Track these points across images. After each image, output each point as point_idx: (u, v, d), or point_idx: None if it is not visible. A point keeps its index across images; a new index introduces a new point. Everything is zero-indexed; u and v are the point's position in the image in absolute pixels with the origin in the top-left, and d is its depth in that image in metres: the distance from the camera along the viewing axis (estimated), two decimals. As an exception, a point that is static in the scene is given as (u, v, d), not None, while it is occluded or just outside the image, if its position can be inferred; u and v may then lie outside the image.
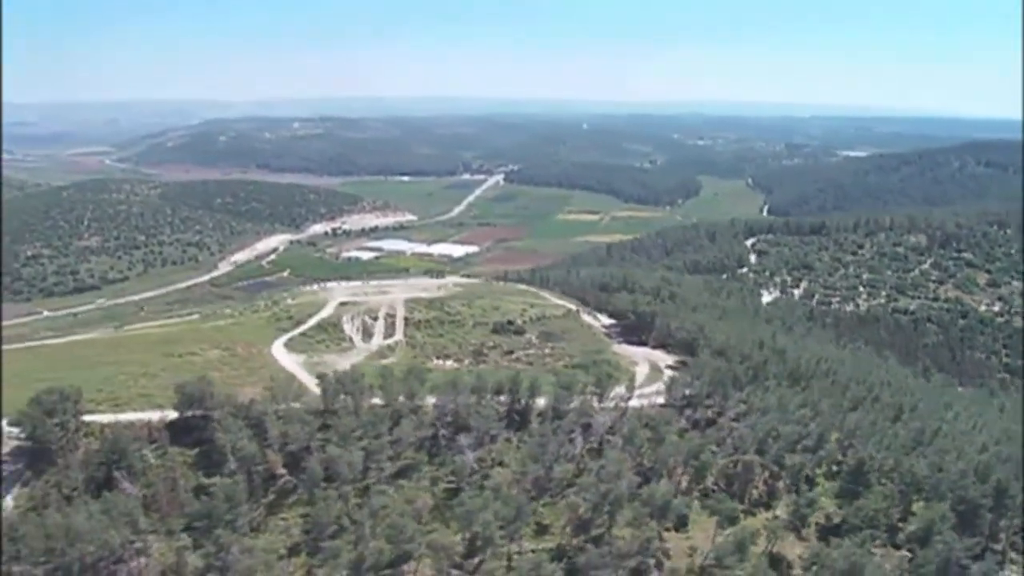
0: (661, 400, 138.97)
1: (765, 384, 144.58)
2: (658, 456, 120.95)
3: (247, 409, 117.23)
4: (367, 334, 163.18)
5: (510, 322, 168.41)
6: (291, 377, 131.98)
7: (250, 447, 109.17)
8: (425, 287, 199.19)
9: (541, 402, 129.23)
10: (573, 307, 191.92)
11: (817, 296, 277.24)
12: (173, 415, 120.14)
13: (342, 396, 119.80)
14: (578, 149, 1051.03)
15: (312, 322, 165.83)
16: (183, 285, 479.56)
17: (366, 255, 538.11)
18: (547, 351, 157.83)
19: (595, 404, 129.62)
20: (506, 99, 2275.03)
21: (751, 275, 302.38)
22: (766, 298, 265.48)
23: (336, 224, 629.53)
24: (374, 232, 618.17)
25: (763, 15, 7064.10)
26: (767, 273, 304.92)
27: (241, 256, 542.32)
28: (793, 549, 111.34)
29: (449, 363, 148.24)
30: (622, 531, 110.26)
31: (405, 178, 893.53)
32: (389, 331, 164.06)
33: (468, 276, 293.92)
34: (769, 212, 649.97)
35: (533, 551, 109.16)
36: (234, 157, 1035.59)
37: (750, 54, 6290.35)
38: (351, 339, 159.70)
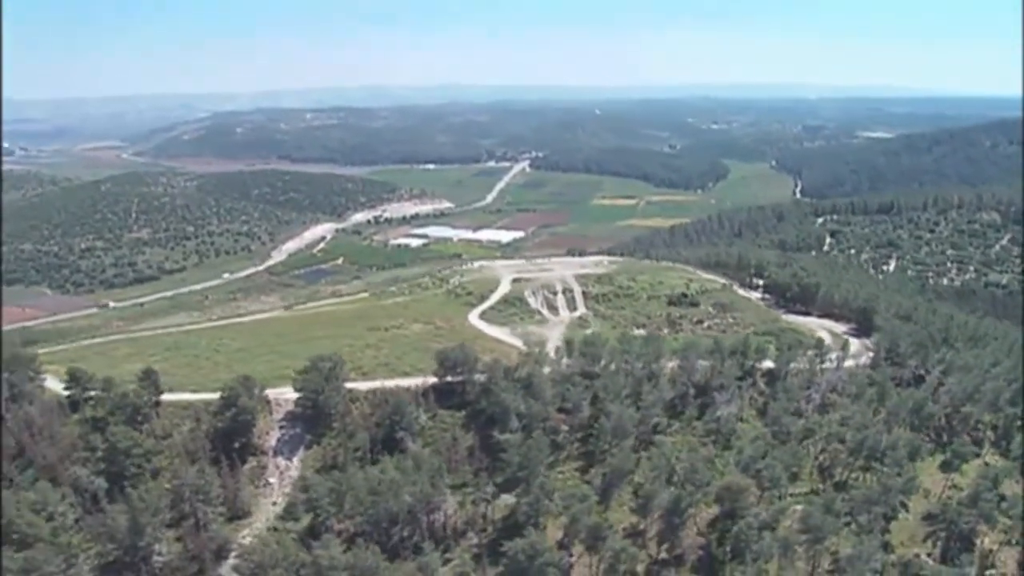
0: (857, 362, 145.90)
1: (954, 346, 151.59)
2: (888, 409, 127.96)
3: (512, 372, 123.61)
4: (551, 307, 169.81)
5: (684, 295, 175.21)
6: (508, 344, 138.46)
7: (536, 407, 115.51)
8: (582, 264, 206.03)
9: (767, 364, 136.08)
10: (724, 281, 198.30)
11: (910, 272, 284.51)
12: (432, 380, 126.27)
13: (603, 360, 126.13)
14: (596, 134, 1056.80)
15: (496, 297, 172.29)
16: (242, 274, 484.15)
17: (414, 242, 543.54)
18: (729, 320, 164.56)
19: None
20: (510, 86, 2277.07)
21: (836, 253, 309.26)
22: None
23: (377, 212, 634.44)
24: (415, 219, 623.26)
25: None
26: (852, 251, 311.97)
27: (291, 245, 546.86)
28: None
29: (645, 332, 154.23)
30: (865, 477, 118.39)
31: (430, 166, 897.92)
32: (571, 304, 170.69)
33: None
34: (803, 194, 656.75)
35: (791, 495, 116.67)
36: (253, 148, 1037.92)
37: (753, 36, 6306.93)
38: (540, 312, 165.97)
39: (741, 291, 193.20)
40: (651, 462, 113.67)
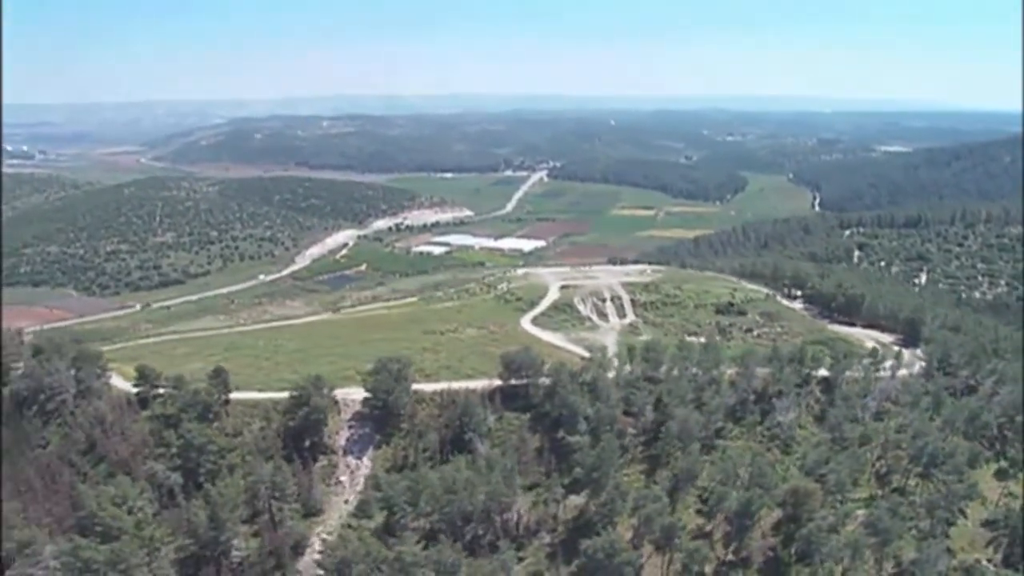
0: (910, 372, 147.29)
1: (1004, 357, 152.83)
2: (944, 418, 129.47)
3: (578, 376, 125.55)
4: (601, 314, 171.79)
5: (731, 303, 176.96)
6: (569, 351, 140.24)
7: (604, 410, 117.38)
8: (626, 272, 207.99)
9: (822, 372, 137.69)
10: (767, 291, 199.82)
11: (942, 284, 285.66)
12: (496, 383, 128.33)
13: (664, 366, 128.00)
14: (611, 145, 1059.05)
15: (546, 303, 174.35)
16: (267, 279, 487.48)
17: (437, 250, 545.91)
18: (777, 329, 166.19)
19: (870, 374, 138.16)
20: (523, 95, 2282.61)
21: (866, 266, 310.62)
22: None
23: (398, 220, 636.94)
24: (435, 227, 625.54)
25: (778, 10, 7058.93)
26: (882, 264, 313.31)
27: (315, 251, 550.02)
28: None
29: (698, 340, 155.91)
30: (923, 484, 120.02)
31: (448, 175, 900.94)
32: (620, 311, 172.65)
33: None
34: (821, 207, 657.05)
35: (851, 500, 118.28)
36: (271, 155, 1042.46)
37: (764, 49, 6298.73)
38: (591, 319, 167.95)
39: (783, 301, 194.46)
40: (717, 465, 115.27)
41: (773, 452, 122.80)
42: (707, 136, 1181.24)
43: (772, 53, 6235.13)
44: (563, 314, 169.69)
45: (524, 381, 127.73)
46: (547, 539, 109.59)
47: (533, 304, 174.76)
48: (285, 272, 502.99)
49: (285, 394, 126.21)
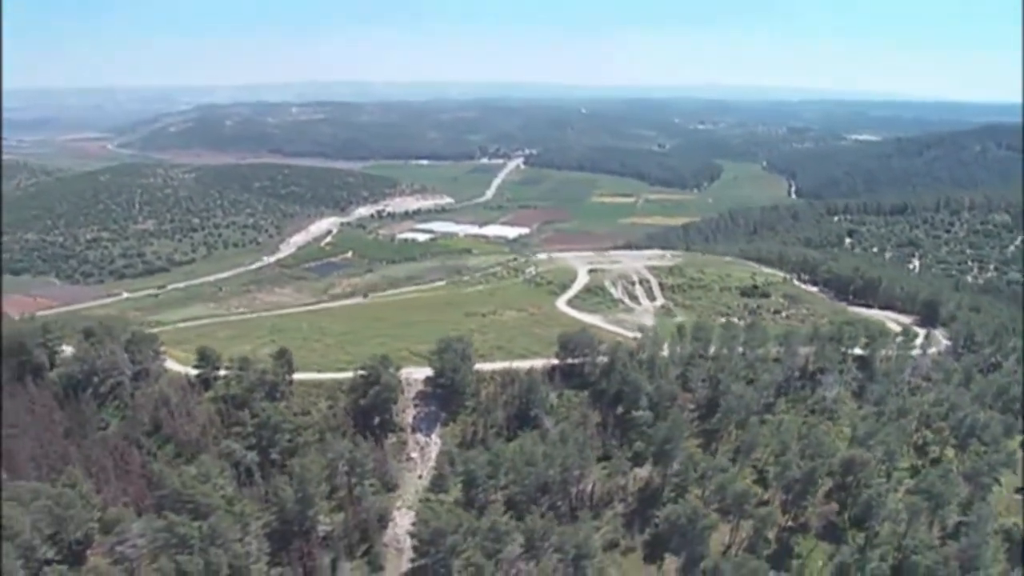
0: (938, 350, 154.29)
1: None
2: (974, 392, 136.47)
3: (635, 355, 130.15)
4: (632, 296, 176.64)
5: (755, 286, 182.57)
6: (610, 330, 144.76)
7: (665, 386, 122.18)
8: (648, 256, 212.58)
9: (856, 350, 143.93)
10: (784, 275, 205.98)
11: (934, 270, 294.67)
12: (554, 362, 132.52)
13: (712, 345, 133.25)
14: (585, 133, 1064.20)
15: (577, 287, 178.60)
16: (253, 267, 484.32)
17: (421, 237, 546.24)
18: (803, 311, 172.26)
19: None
20: (492, 83, 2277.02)
21: (859, 251, 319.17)
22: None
23: (379, 207, 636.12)
24: (417, 214, 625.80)
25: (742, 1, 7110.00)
26: (874, 250, 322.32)
27: (298, 238, 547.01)
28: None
29: (740, 320, 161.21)
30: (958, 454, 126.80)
31: (424, 162, 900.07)
32: (649, 294, 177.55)
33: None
34: (797, 195, 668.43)
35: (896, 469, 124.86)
36: (242, 142, 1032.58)
37: (730, 39, 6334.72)
38: (624, 301, 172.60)
39: (800, 284, 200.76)
40: (776, 437, 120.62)
41: (827, 424, 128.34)
42: (678, 125, 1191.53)
43: (736, 43, 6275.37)
44: (596, 296, 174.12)
45: (580, 360, 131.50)
46: (619, 508, 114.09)
47: (565, 287, 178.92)
48: (271, 259, 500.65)
49: (346, 374, 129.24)
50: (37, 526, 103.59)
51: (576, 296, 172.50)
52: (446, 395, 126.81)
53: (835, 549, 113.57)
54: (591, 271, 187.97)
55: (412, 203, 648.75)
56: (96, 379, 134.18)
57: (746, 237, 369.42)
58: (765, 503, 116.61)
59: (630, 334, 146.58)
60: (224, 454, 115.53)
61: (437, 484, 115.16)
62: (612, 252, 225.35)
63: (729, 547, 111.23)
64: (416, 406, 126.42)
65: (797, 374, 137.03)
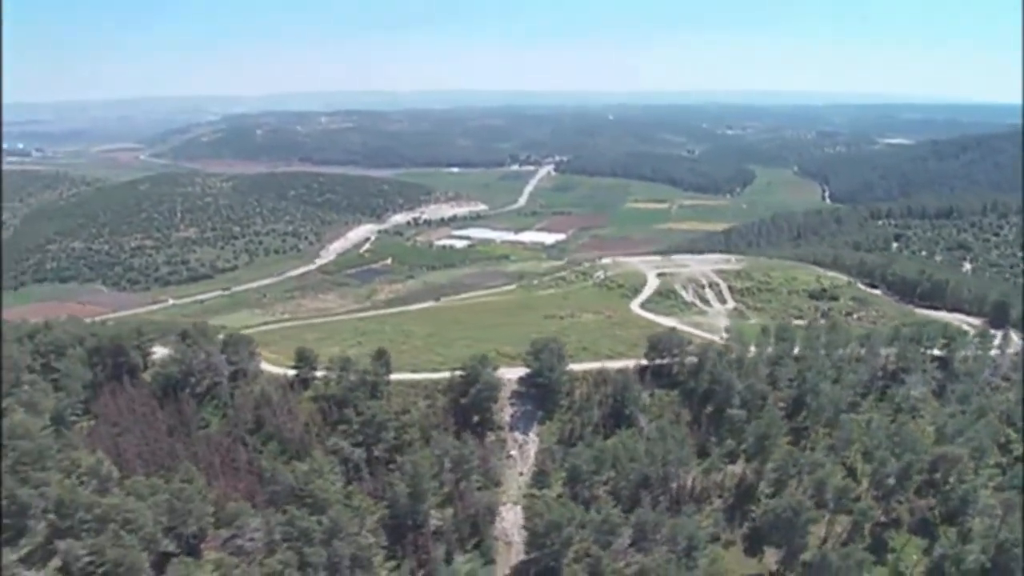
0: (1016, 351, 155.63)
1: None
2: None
3: (725, 355, 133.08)
4: (703, 300, 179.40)
5: (823, 289, 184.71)
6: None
7: (758, 385, 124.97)
8: (713, 261, 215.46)
9: (934, 351, 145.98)
10: (848, 278, 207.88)
11: (987, 273, 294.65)
12: (643, 362, 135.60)
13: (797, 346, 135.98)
14: (614, 139, 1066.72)
15: (649, 290, 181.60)
16: (294, 273, 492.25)
17: (459, 243, 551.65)
18: (873, 313, 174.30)
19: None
20: (517, 91, 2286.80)
21: (907, 254, 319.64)
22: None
23: (415, 214, 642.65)
24: (453, 221, 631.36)
25: (767, 6, 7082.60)
26: (923, 253, 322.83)
27: (337, 245, 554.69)
28: None
29: (802, 322, 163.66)
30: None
31: (455, 169, 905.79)
32: (720, 297, 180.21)
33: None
34: (831, 199, 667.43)
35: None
36: (273, 151, 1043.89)
37: (754, 45, 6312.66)
38: (696, 304, 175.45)
39: (863, 287, 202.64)
40: (866, 434, 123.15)
41: (916, 423, 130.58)
42: (707, 130, 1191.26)
43: (760, 48, 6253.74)
44: (668, 300, 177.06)
45: (668, 360, 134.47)
46: (717, 503, 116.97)
47: (636, 291, 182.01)
48: (313, 266, 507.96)
49: (440, 375, 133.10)
50: (158, 520, 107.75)
51: (649, 299, 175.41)
52: (541, 394, 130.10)
53: (928, 544, 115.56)
54: (660, 275, 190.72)
55: (447, 210, 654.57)
56: (193, 379, 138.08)
57: (791, 242, 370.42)
58: (857, 499, 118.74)
59: (708, 336, 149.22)
60: (332, 451, 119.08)
61: (539, 480, 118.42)
62: (676, 256, 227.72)
63: (825, 541, 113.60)
64: (512, 405, 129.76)
65: (880, 374, 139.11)
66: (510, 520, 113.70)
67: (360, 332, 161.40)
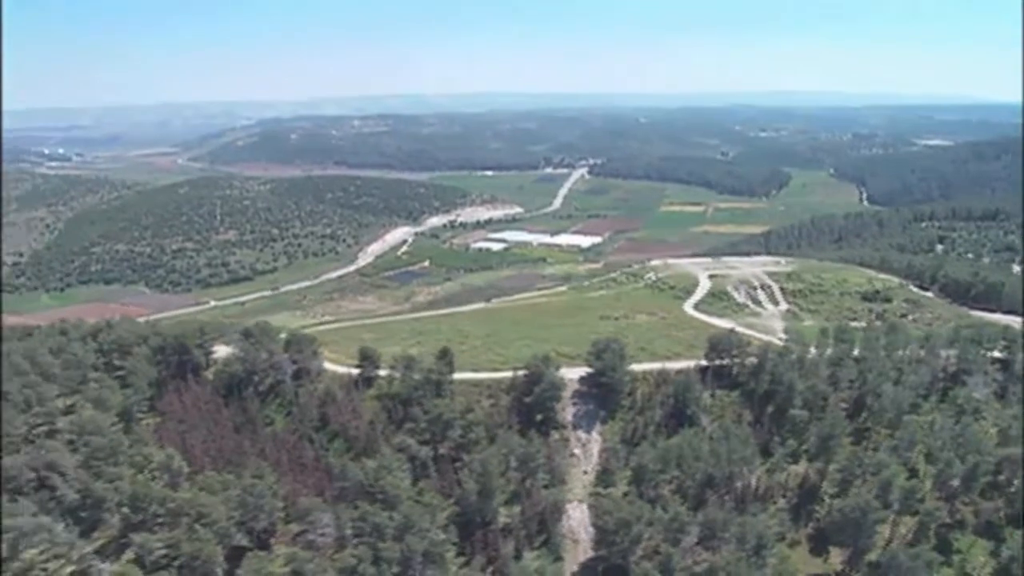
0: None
1: None
2: None
3: (786, 356, 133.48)
4: (755, 301, 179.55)
5: (877, 291, 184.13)
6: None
7: (821, 385, 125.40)
8: (763, 263, 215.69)
9: (995, 353, 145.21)
10: (899, 280, 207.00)
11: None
12: (702, 363, 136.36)
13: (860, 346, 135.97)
14: (647, 141, 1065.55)
15: (701, 292, 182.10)
16: (334, 275, 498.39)
17: (495, 246, 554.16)
18: (928, 315, 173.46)
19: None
20: (547, 94, 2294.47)
21: (952, 256, 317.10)
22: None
23: (451, 217, 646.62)
24: (489, 224, 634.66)
25: (800, 7, 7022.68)
26: (969, 255, 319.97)
27: (375, 248, 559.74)
28: None
29: (858, 324, 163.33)
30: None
31: (488, 173, 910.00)
32: (772, 299, 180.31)
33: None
34: (869, 201, 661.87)
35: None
36: (308, 155, 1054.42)
37: (785, 45, 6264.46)
38: (748, 305, 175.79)
39: (915, 289, 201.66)
40: (930, 435, 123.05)
41: (979, 424, 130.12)
42: (740, 132, 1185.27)
43: (791, 49, 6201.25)
44: (721, 301, 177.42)
45: (727, 361, 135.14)
46: (780, 503, 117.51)
47: (688, 292, 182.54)
48: (351, 268, 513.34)
49: (502, 374, 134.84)
50: (230, 514, 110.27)
51: (701, 301, 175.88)
52: (602, 394, 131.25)
53: (995, 546, 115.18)
54: (711, 276, 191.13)
55: (483, 213, 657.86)
56: (256, 378, 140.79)
57: (833, 245, 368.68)
58: (921, 500, 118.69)
59: (764, 337, 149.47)
60: (399, 449, 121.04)
61: (603, 478, 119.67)
62: (726, 258, 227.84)
63: (890, 541, 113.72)
64: (574, 404, 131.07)
65: (940, 375, 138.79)
66: (576, 518, 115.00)
67: (417, 332, 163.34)
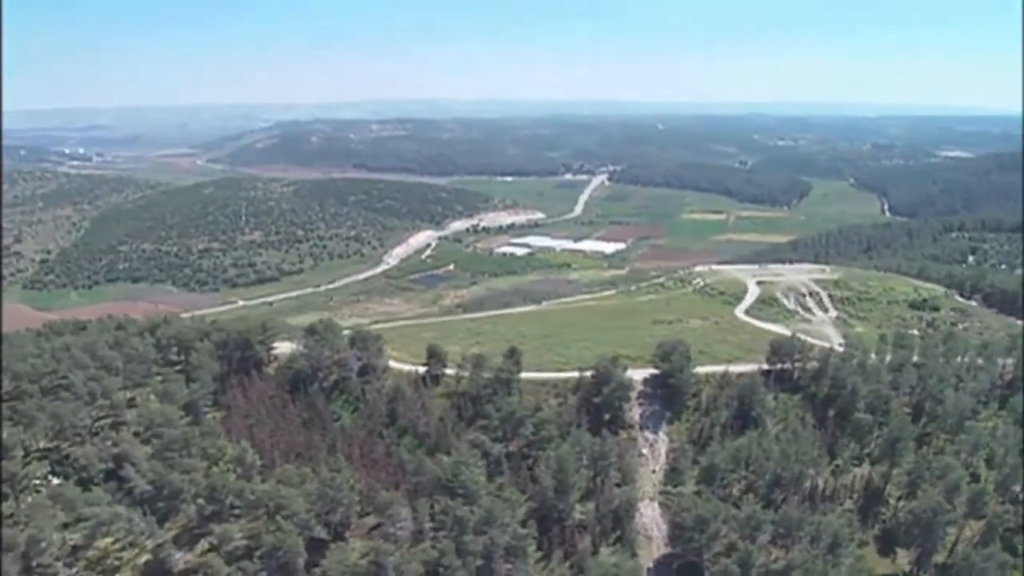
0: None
1: None
2: None
3: (848, 361, 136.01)
4: (804, 308, 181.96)
5: (924, 300, 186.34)
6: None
7: (884, 390, 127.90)
8: (809, 271, 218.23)
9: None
10: (945, 289, 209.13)
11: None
12: (764, 366, 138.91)
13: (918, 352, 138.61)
14: (665, 149, 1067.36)
15: (751, 298, 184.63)
16: (360, 277, 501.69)
17: (519, 251, 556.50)
18: (977, 324, 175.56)
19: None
20: (561, 100, 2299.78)
21: (987, 267, 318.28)
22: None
23: (474, 221, 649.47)
24: (511, 229, 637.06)
25: (818, 16, 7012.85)
26: (1002, 266, 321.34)
27: (400, 250, 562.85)
28: None
29: (912, 332, 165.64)
30: None
31: (508, 178, 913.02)
32: (821, 306, 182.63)
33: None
34: (891, 212, 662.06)
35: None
36: (327, 157, 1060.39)
37: (801, 55, 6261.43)
38: (798, 312, 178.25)
39: (960, 299, 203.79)
40: (993, 441, 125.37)
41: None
42: (758, 141, 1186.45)
43: (808, 59, 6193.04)
44: (771, 307, 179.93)
45: (789, 365, 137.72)
46: (847, 504, 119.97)
47: (738, 298, 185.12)
48: (377, 271, 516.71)
49: (567, 374, 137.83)
50: (309, 507, 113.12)
51: (752, 306, 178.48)
52: (667, 395, 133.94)
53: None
54: (759, 283, 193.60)
55: (505, 218, 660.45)
56: (320, 374, 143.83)
57: (862, 254, 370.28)
58: (987, 503, 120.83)
59: (818, 342, 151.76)
60: (474, 445, 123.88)
61: (672, 477, 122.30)
62: (771, 266, 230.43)
63: (956, 543, 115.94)
64: (640, 405, 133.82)
65: (998, 382, 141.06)
66: (648, 515, 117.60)
67: (475, 332, 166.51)
